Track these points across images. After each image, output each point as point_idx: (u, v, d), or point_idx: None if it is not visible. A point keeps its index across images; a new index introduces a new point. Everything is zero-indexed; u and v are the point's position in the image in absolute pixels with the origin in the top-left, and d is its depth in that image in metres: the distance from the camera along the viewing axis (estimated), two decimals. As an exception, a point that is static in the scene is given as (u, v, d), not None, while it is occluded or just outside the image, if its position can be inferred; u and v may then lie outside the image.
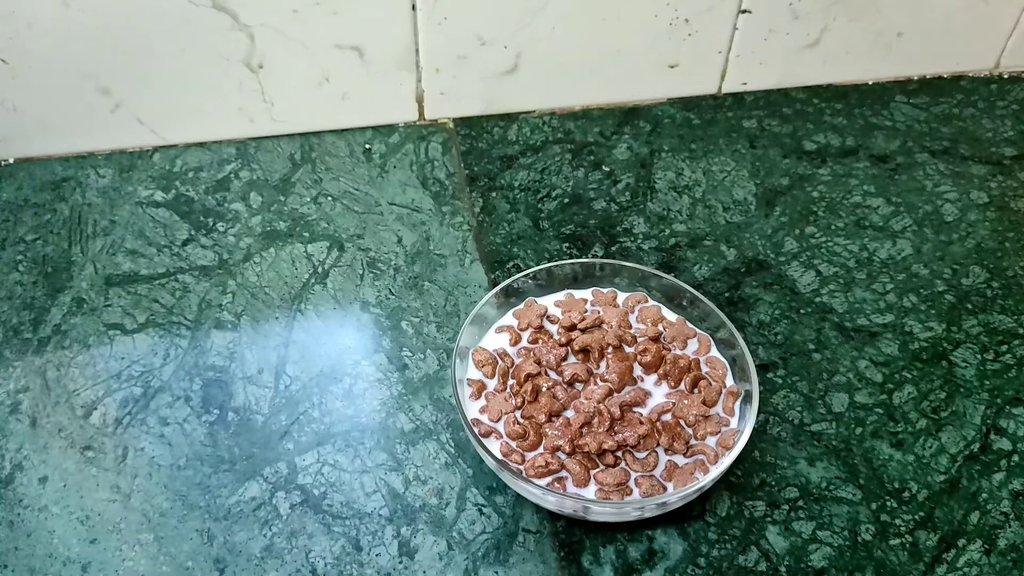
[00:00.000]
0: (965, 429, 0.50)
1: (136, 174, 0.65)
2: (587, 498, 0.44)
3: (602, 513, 0.44)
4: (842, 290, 0.57)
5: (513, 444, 0.45)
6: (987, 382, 0.52)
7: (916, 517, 0.46)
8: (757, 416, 0.45)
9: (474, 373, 0.49)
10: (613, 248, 0.60)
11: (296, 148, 0.67)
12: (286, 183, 0.65)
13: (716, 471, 0.43)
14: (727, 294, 0.57)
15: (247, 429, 0.50)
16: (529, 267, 0.54)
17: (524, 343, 0.50)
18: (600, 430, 0.45)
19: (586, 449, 0.44)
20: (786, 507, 0.46)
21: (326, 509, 0.46)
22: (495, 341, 0.50)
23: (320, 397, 0.51)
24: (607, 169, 0.66)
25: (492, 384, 0.48)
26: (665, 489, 0.44)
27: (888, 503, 0.46)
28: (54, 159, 0.66)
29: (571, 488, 0.44)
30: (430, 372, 0.53)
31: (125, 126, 0.65)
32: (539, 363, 0.48)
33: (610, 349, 0.48)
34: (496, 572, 0.44)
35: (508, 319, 0.51)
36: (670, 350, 0.49)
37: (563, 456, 0.45)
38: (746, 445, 0.44)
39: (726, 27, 0.67)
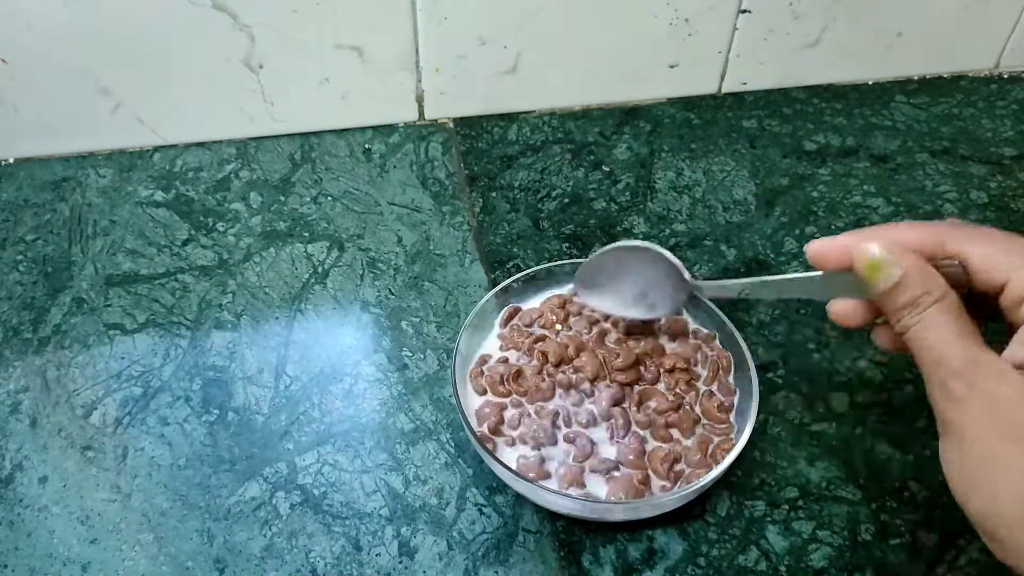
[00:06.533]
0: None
1: (136, 174, 0.65)
2: (589, 500, 0.44)
3: (614, 512, 0.44)
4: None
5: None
6: (987, 382, 0.52)
7: (916, 517, 0.46)
8: (757, 416, 0.45)
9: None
10: (613, 248, 0.60)
11: (296, 148, 0.67)
12: (286, 183, 0.65)
13: (716, 471, 0.43)
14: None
15: (247, 429, 0.50)
16: (529, 267, 0.54)
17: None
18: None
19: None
20: (786, 507, 0.46)
21: (326, 509, 0.46)
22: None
23: (320, 397, 0.51)
24: (607, 169, 0.66)
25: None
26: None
27: (888, 503, 0.46)
28: (54, 159, 0.66)
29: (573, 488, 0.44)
30: (430, 372, 0.53)
31: (125, 126, 0.65)
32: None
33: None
34: (496, 572, 0.44)
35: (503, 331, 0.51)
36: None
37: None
38: (746, 445, 0.44)
39: (726, 27, 0.67)
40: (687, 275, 0.45)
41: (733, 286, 0.44)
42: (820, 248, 0.38)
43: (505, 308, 0.51)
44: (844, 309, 0.39)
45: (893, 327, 0.36)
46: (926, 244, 0.35)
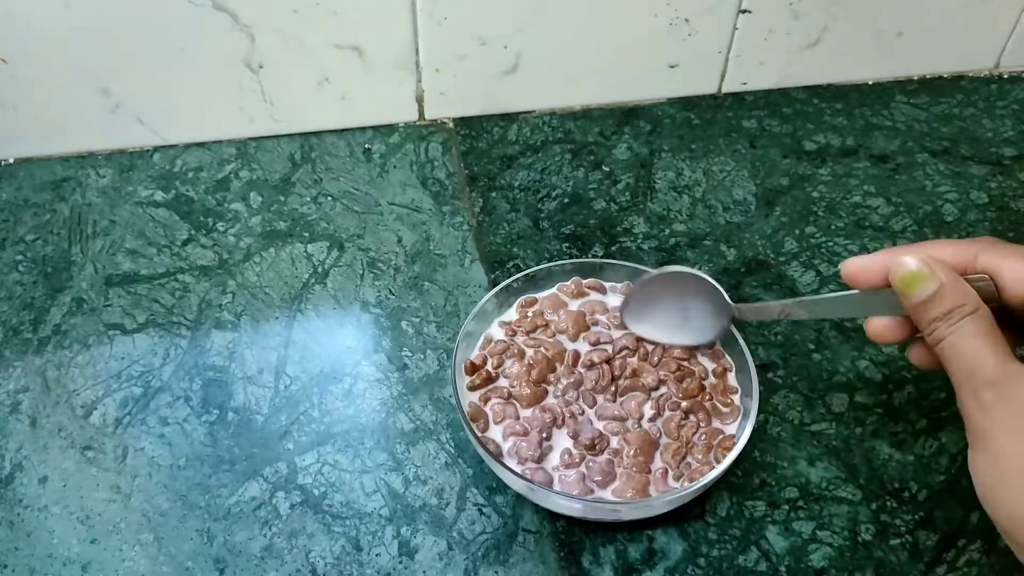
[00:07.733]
0: (965, 429, 0.50)
1: (136, 174, 0.65)
2: (577, 497, 0.44)
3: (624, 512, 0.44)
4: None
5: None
6: (987, 382, 0.52)
7: (916, 517, 0.46)
8: (757, 416, 0.45)
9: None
10: (613, 248, 0.60)
11: (296, 148, 0.67)
12: (286, 183, 0.65)
13: (716, 471, 0.43)
14: (727, 294, 0.57)
15: (247, 429, 0.50)
16: (529, 267, 0.54)
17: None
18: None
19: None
20: (786, 507, 0.46)
21: (326, 509, 0.46)
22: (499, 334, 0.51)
23: (320, 397, 0.51)
24: (607, 169, 0.66)
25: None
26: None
27: (888, 503, 0.46)
28: (54, 159, 0.66)
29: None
30: (430, 372, 0.53)
31: (125, 126, 0.65)
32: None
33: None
34: (496, 572, 0.44)
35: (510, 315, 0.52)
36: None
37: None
38: (746, 445, 0.44)
39: (726, 27, 0.67)
40: (728, 299, 0.46)
41: (772, 308, 0.45)
42: (855, 266, 0.39)
43: (523, 297, 0.52)
44: (881, 327, 0.39)
45: (927, 339, 0.36)
46: (959, 259, 0.36)
